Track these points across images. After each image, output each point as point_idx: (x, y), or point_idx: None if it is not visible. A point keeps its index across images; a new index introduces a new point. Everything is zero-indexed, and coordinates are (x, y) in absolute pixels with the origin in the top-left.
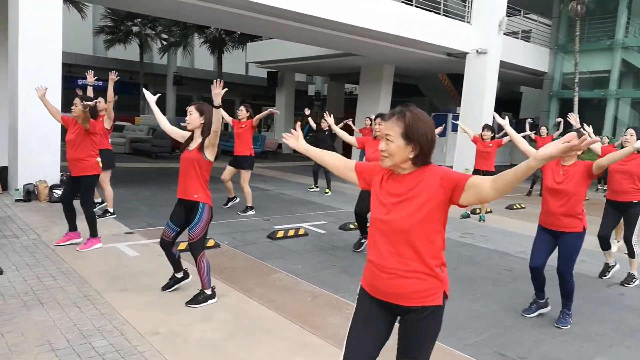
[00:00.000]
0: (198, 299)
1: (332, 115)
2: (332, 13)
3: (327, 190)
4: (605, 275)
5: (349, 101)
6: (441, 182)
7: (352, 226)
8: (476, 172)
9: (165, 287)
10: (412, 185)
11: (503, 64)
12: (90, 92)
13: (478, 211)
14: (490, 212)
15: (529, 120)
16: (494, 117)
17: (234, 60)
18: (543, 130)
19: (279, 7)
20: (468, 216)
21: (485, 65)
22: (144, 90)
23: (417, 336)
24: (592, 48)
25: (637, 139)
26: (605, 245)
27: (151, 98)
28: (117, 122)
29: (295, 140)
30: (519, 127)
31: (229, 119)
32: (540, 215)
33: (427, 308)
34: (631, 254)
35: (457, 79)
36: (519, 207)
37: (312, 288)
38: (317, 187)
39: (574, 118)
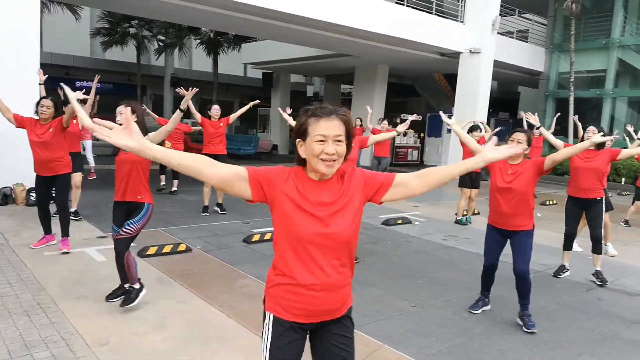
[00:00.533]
0: (131, 296)
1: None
2: (323, 14)
3: None
4: (559, 276)
5: (346, 102)
6: (365, 184)
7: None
8: None
9: (110, 297)
10: (340, 191)
11: (498, 64)
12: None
13: (465, 213)
14: (478, 213)
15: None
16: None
17: (231, 62)
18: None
19: (270, 9)
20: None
21: (479, 64)
22: (62, 85)
23: (348, 340)
24: (588, 47)
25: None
26: (568, 244)
27: (72, 95)
28: None
29: (123, 133)
30: (516, 127)
31: (198, 117)
32: (490, 215)
33: (349, 311)
34: (598, 250)
35: (453, 79)
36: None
37: None
38: None
39: (533, 118)
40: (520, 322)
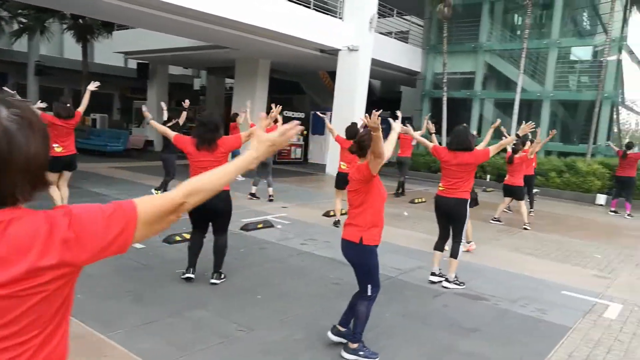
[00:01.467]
0: None
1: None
2: (198, 3)
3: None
4: (449, 282)
5: (230, 97)
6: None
7: (177, 238)
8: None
9: None
10: None
11: (379, 63)
12: None
13: (332, 213)
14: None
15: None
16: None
17: (109, 51)
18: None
19: None
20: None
21: (357, 62)
22: None
23: None
24: (460, 50)
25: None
26: (441, 246)
27: None
28: None
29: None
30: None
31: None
32: None
33: None
34: (455, 253)
35: (332, 75)
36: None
37: (78, 325)
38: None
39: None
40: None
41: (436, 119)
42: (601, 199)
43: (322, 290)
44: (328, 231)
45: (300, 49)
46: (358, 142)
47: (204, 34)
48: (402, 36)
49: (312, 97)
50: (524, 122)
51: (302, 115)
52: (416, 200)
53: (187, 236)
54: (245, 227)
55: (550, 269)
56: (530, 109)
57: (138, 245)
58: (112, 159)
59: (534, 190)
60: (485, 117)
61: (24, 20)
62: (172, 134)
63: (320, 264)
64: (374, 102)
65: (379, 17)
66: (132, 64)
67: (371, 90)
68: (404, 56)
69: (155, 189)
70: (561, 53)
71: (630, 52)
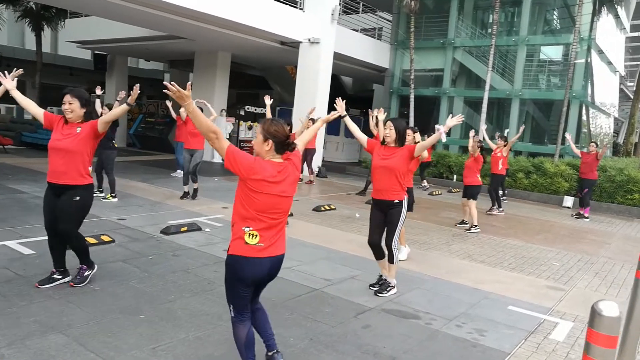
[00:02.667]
0: None
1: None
2: None
3: (109, 196)
4: (382, 293)
5: None
6: None
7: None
8: None
9: None
10: None
11: (345, 58)
12: None
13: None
14: (291, 214)
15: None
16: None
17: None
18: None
19: None
20: None
21: (319, 55)
22: None
23: None
24: (428, 46)
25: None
26: (378, 253)
27: None
28: None
29: None
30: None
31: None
32: None
33: None
34: (390, 259)
35: None
36: (327, 208)
37: None
38: (100, 190)
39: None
40: None
41: (404, 117)
42: (568, 201)
43: (222, 309)
44: None
45: (259, 40)
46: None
47: (160, 23)
48: (375, 34)
49: (279, 92)
50: (476, 123)
51: (263, 110)
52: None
53: (93, 240)
54: (166, 230)
55: (500, 278)
56: (499, 108)
57: (26, 251)
58: None
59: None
60: (456, 114)
61: None
62: (363, 137)
63: (202, 261)
64: (345, 100)
65: (346, 13)
66: (86, 54)
67: (342, 87)
68: (372, 52)
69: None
70: (530, 51)
71: (600, 52)
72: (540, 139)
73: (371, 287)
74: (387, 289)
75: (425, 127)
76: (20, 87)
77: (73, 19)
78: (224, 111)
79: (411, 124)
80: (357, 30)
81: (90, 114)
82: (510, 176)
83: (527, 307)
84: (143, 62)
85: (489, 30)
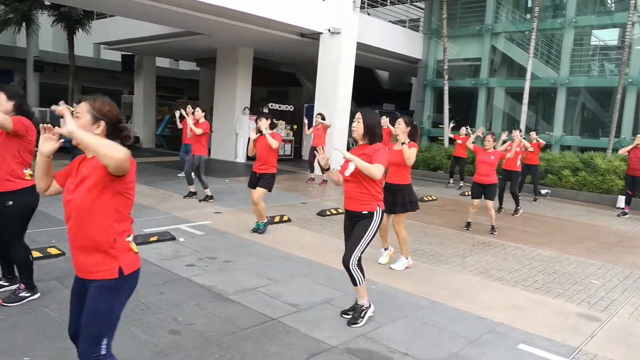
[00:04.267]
0: None
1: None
2: None
3: None
4: (357, 323)
5: None
6: None
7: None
8: None
9: None
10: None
11: (374, 50)
12: None
13: (273, 220)
14: (289, 220)
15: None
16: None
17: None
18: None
19: None
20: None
21: (340, 47)
22: None
23: None
24: (463, 34)
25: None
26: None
27: None
28: None
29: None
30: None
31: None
32: None
33: None
34: (352, 280)
35: None
36: (333, 212)
37: None
38: None
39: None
40: None
41: (438, 111)
42: (622, 201)
43: (141, 348)
44: (241, 245)
45: (277, 33)
46: None
47: (173, 18)
48: (407, 25)
49: (309, 88)
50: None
51: (290, 107)
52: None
53: (55, 251)
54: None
55: (518, 302)
56: (544, 98)
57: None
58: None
59: (543, 191)
60: (495, 108)
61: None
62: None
63: (184, 297)
64: (381, 94)
65: (373, 6)
66: (108, 55)
67: (377, 82)
68: (403, 42)
69: None
70: (578, 34)
71: None
72: (592, 132)
73: (344, 315)
74: (362, 316)
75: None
76: (64, 91)
77: (100, 20)
78: (247, 109)
79: (446, 117)
80: (395, 23)
81: (21, 107)
82: (554, 174)
83: (544, 346)
84: (183, 62)
85: (531, 14)
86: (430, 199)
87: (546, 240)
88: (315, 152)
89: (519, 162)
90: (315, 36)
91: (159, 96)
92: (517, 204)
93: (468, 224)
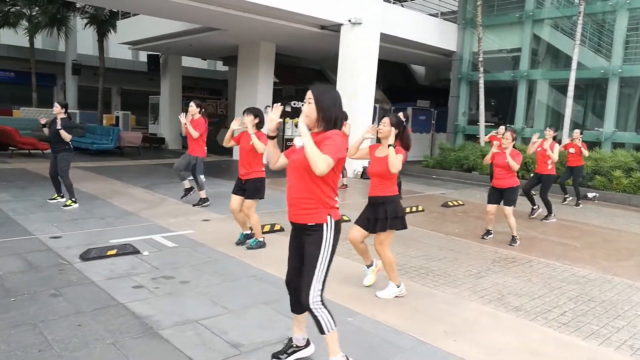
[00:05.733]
0: None
1: None
2: None
3: (69, 202)
4: None
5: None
6: None
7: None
8: None
9: None
10: None
11: (403, 42)
12: None
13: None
14: (281, 229)
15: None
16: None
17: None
18: (501, 129)
19: None
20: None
21: (361, 38)
22: None
23: None
24: (501, 22)
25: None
26: (292, 300)
27: None
28: None
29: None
30: (438, 115)
31: None
32: None
33: None
34: (318, 325)
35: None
36: None
37: None
38: (61, 196)
39: None
40: None
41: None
42: None
43: None
44: (212, 261)
45: (297, 26)
46: None
47: (191, 13)
48: (433, 10)
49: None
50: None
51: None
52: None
53: None
54: (85, 255)
55: (534, 344)
56: (596, 90)
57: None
58: (99, 157)
59: (590, 195)
60: (538, 103)
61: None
62: None
63: (103, 332)
64: (417, 91)
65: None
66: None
67: (413, 77)
68: (436, 33)
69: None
70: (634, 17)
71: None
72: None
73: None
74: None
75: (503, 117)
76: (106, 94)
77: (123, 20)
78: (269, 108)
79: (481, 113)
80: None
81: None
82: (603, 175)
83: None
84: (220, 63)
85: None
86: (456, 204)
87: (586, 256)
88: None
89: (550, 166)
90: (336, 28)
91: (196, 97)
92: (550, 210)
93: (487, 232)
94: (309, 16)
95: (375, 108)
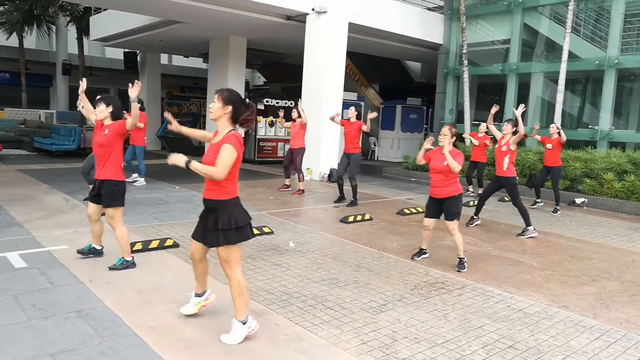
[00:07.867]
0: None
1: None
2: None
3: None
4: None
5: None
6: None
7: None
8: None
9: None
10: None
11: (383, 34)
12: None
13: (147, 245)
14: (174, 246)
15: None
16: None
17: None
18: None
19: None
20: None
21: (327, 28)
22: None
23: None
24: (488, 11)
25: None
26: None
27: None
28: None
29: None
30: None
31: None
32: None
33: None
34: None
35: (363, 59)
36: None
37: None
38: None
39: None
40: None
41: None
42: None
43: None
44: (44, 290)
45: (261, 17)
46: None
47: (153, 7)
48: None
49: None
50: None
51: (291, 103)
52: (351, 219)
53: None
54: None
55: None
56: (593, 84)
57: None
58: (58, 159)
59: (578, 200)
60: (530, 97)
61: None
62: None
63: None
64: (410, 88)
65: None
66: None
67: (408, 74)
68: (419, 25)
69: None
70: (631, 2)
71: None
72: None
73: None
74: None
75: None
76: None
77: (95, 16)
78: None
79: (466, 109)
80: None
81: None
82: (594, 178)
83: None
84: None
85: None
86: (414, 211)
87: (539, 279)
88: (291, 154)
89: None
90: (302, 18)
91: (196, 97)
92: (477, 212)
93: (421, 251)
94: (272, 5)
95: (360, 105)
